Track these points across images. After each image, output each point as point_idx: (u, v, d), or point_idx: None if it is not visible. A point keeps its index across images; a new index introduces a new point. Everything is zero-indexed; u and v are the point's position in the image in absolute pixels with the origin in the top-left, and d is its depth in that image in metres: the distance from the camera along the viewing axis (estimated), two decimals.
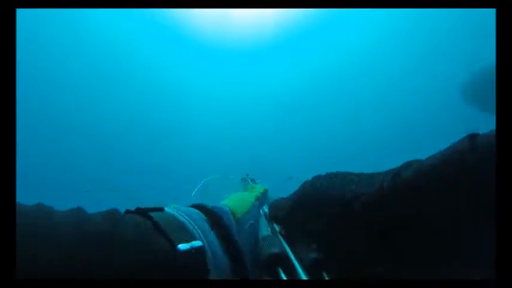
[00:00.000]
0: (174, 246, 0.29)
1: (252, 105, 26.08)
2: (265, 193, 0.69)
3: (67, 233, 0.23)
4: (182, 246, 0.29)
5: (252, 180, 1.09)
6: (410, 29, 21.53)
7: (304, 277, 0.30)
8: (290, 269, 0.33)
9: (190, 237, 0.32)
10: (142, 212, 0.34)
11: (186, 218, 0.36)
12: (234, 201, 0.51)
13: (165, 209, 0.38)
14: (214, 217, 0.40)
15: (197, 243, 0.31)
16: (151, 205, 0.37)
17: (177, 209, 0.39)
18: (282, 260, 0.34)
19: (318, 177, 0.47)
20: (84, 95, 23.42)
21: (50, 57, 20.98)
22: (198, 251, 0.30)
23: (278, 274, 0.32)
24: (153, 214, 0.34)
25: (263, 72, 24.47)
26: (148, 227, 0.31)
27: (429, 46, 21.97)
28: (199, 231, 0.35)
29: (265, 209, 0.60)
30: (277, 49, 23.18)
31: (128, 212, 0.35)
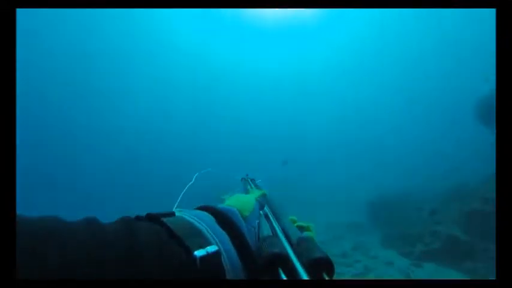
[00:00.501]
0: (190, 253, 0.29)
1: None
2: (263, 196, 0.69)
3: (82, 245, 0.23)
4: (198, 253, 0.29)
5: (252, 180, 1.09)
6: (431, 41, 21.64)
7: (304, 277, 0.30)
8: (290, 269, 0.33)
9: (204, 242, 0.32)
10: (154, 218, 0.34)
11: (198, 220, 0.36)
12: (237, 201, 0.51)
13: (176, 213, 0.38)
14: (224, 218, 0.40)
15: (212, 248, 0.31)
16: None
17: (186, 212, 0.39)
18: (282, 260, 0.34)
19: None
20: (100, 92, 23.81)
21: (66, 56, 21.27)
22: (214, 256, 0.30)
23: (278, 274, 0.32)
24: (165, 220, 0.34)
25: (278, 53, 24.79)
26: (162, 234, 0.31)
27: (449, 62, 22.05)
28: (213, 234, 0.35)
29: (266, 209, 0.60)
30: (283, 40, 23.42)
31: (138, 218, 0.35)
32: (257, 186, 0.99)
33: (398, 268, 5.01)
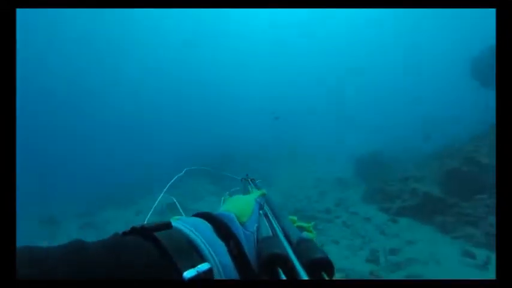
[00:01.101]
0: (180, 274, 0.29)
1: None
2: (263, 195, 0.69)
3: (64, 274, 0.23)
4: (188, 274, 0.29)
5: (252, 180, 1.09)
6: (427, 12, 22.90)
7: (304, 277, 0.30)
8: (290, 269, 0.33)
9: (197, 259, 0.32)
10: (148, 233, 0.34)
11: (194, 232, 0.36)
12: (236, 205, 0.51)
13: (172, 223, 0.38)
14: (221, 225, 0.40)
15: (204, 266, 0.31)
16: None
17: (183, 222, 0.39)
18: (282, 260, 0.34)
19: None
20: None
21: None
22: (205, 274, 0.30)
23: (278, 274, 0.32)
24: (160, 234, 0.33)
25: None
26: (154, 253, 0.30)
27: (445, 26, 23.31)
28: (209, 246, 0.35)
29: (266, 209, 0.60)
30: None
31: (133, 230, 0.35)
32: (257, 186, 0.99)
33: (375, 224, 5.16)
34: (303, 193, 8.17)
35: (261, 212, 0.55)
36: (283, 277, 0.31)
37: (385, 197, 5.90)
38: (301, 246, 0.38)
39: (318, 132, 19.08)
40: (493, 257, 3.43)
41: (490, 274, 3.17)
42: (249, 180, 1.08)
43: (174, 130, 24.92)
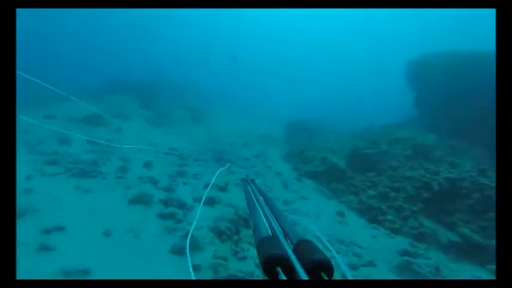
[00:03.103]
0: None
1: None
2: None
3: None
4: None
5: (252, 180, 1.09)
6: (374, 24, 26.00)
7: (304, 277, 0.31)
8: (290, 269, 0.33)
9: None
10: None
11: None
12: None
13: None
14: None
15: None
16: None
17: None
18: (282, 261, 0.34)
19: None
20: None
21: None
22: None
23: (278, 274, 0.32)
24: None
25: None
26: None
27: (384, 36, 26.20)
28: None
29: (264, 207, 0.60)
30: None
31: None
32: (256, 186, 1.00)
33: (282, 179, 5.50)
34: (229, 139, 8.51)
35: (259, 209, 0.55)
36: (283, 277, 0.31)
37: (301, 159, 6.60)
38: (301, 247, 0.38)
39: (261, 88, 19.78)
40: (352, 215, 4.21)
41: (346, 227, 3.84)
42: (249, 180, 1.08)
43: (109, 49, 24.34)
